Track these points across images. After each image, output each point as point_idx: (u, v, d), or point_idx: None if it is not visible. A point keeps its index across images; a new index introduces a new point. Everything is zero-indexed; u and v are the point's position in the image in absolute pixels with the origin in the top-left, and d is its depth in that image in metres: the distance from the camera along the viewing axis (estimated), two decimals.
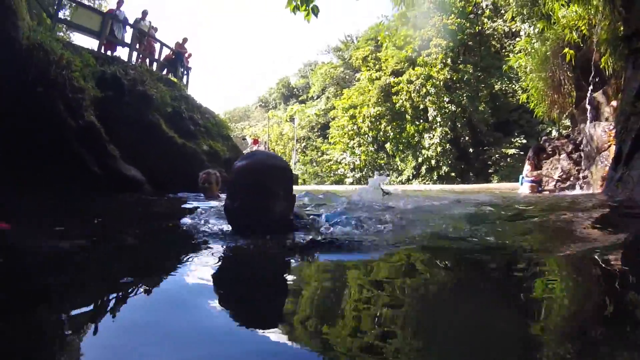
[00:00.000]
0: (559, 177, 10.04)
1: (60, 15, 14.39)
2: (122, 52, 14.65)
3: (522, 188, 8.80)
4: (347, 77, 49.12)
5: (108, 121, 9.36)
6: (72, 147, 7.79)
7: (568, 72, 10.39)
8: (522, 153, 27.50)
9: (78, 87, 8.53)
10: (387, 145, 34.65)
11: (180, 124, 13.32)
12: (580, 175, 9.64)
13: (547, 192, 10.04)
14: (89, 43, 15.08)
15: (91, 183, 7.84)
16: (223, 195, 5.39)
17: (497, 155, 28.85)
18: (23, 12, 7.14)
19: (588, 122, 9.34)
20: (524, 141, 27.98)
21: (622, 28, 5.99)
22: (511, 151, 28.07)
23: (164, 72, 16.60)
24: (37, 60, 7.22)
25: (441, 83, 30.49)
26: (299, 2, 7.34)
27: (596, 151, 8.95)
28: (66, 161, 7.61)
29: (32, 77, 7.07)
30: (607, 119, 8.93)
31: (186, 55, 18.21)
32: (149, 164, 10.45)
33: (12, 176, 6.08)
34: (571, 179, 10.03)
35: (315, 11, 7.36)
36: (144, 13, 16.20)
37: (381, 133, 35.24)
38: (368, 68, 37.92)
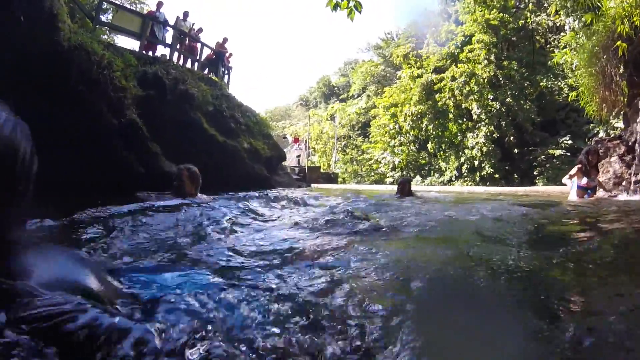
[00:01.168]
0: (609, 180, 9.55)
1: (103, 18, 14.91)
2: (164, 53, 15.02)
3: (571, 193, 8.39)
4: (388, 75, 48.67)
5: (150, 119, 9.57)
6: (114, 145, 7.99)
7: (620, 67, 9.84)
8: (568, 154, 26.44)
9: (120, 86, 8.76)
10: (429, 145, 34.01)
11: (221, 122, 13.53)
12: (633, 179, 9.13)
13: (594, 198, 9.55)
14: (131, 44, 15.48)
15: (133, 181, 8.01)
16: (202, 196, 5.45)
17: (542, 157, 27.76)
18: (64, 15, 7.38)
19: None
20: (571, 142, 26.87)
21: None
22: (557, 152, 26.97)
23: (205, 71, 16.88)
24: (79, 61, 7.44)
25: (485, 80, 29.68)
26: (339, 0, 7.15)
27: None
28: (108, 160, 7.82)
29: (74, 77, 7.29)
30: None
31: (227, 54, 18.49)
32: (190, 162, 10.62)
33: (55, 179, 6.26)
34: (623, 183, 9.51)
35: (359, 8, 7.14)
36: (185, 14, 16.53)
37: (423, 132, 34.62)
38: (409, 65, 37.30)
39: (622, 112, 10.71)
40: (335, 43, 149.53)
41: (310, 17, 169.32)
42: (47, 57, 6.86)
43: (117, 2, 15.39)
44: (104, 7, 14.71)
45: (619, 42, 9.12)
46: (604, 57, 10.11)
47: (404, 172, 35.67)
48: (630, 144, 9.51)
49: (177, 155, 10.19)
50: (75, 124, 7.26)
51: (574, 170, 8.21)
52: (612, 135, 11.48)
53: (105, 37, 13.74)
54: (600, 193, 8.58)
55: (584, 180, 7.84)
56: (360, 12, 7.18)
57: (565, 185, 8.68)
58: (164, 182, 8.98)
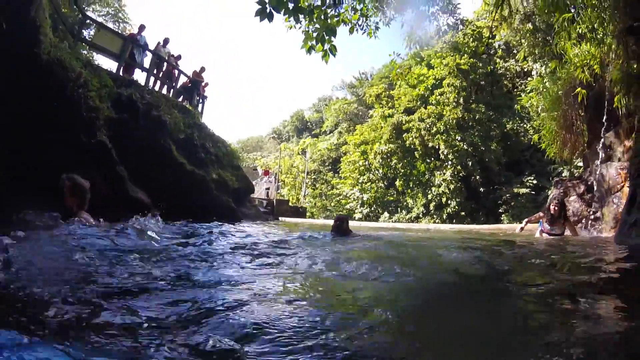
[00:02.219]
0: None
1: (86, 34, 14.78)
2: (140, 77, 14.93)
3: (537, 232, 8.65)
4: (360, 113, 49.74)
5: (120, 143, 9.44)
6: (82, 164, 7.81)
7: (580, 112, 10.33)
8: (533, 193, 27.35)
9: (93, 106, 8.67)
10: (397, 182, 34.51)
11: (192, 151, 13.44)
12: (592, 216, 9.46)
13: (557, 236, 9.83)
14: (109, 65, 15.35)
15: (97, 203, 7.81)
16: (86, 216, 4.76)
17: (508, 195, 28.54)
18: (46, 28, 7.33)
19: (600, 162, 9.22)
20: (535, 181, 27.76)
21: (635, 66, 5.96)
22: (522, 191, 27.77)
23: (180, 99, 16.86)
24: (56, 76, 7.36)
25: (453, 122, 30.56)
26: (314, 43, 7.38)
27: (609, 192, 8.80)
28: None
29: (51, 92, 7.20)
30: (619, 159, 8.82)
31: (203, 84, 18.57)
32: (158, 188, 10.48)
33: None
34: (583, 220, 9.83)
35: (333, 51, 7.37)
36: (166, 41, 16.62)
37: (392, 170, 35.20)
38: (381, 105, 38.28)
39: (582, 154, 11.16)
40: (311, 78, 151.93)
41: (288, 51, 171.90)
42: (25, 69, 6.75)
43: (100, 20, 15.25)
44: (87, 22, 14.62)
45: (579, 89, 9.60)
46: (566, 102, 10.61)
47: (372, 208, 36.04)
48: (589, 183, 9.89)
49: (145, 181, 10.07)
50: (47, 139, 7.10)
51: (536, 216, 8.48)
52: (573, 176, 11.92)
53: (85, 52, 13.54)
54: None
55: (547, 227, 8.06)
56: (334, 55, 7.42)
57: (523, 228, 8.88)
58: (128, 205, 8.84)
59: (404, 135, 33.19)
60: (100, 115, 9.01)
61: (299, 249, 5.39)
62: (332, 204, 41.84)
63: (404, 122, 33.45)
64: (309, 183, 46.83)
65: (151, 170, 10.63)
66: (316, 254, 4.82)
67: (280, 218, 21.32)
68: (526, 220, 8.82)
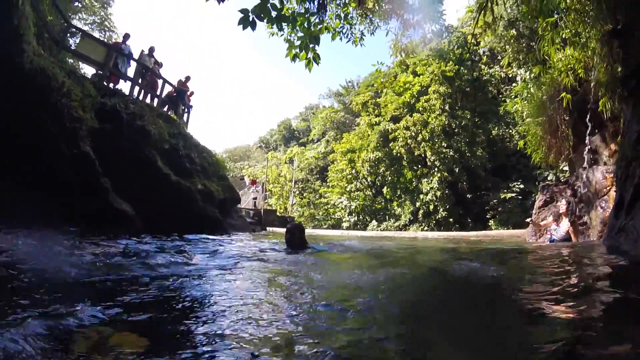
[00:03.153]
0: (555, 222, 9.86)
1: (72, 42, 14.56)
2: (124, 86, 14.71)
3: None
4: (347, 121, 49.91)
5: (104, 153, 9.28)
6: (64, 175, 7.67)
7: (565, 116, 10.38)
8: (520, 197, 27.51)
9: (76, 116, 8.52)
10: (385, 190, 34.58)
11: (177, 162, 13.27)
12: (579, 221, 9.47)
13: (546, 241, 9.91)
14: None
15: (80, 215, 7.65)
16: None
17: (494, 200, 28.69)
18: (30, 37, 7.20)
19: (586, 166, 9.25)
20: (522, 186, 27.96)
21: (619, 70, 5.97)
22: (509, 196, 27.93)
23: (165, 108, 16.67)
24: (39, 85, 7.23)
25: (439, 129, 30.72)
26: (298, 51, 7.37)
27: (595, 196, 8.81)
28: (56, 191, 7.46)
29: (33, 101, 7.07)
30: (605, 163, 8.85)
31: (188, 93, 18.39)
32: (142, 199, 10.32)
33: None
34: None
35: (317, 60, 7.37)
36: (151, 50, 16.46)
37: (379, 177, 35.29)
38: (368, 113, 38.45)
39: (568, 158, 11.21)
40: (298, 86, 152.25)
41: (275, 58, 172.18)
42: (7, 77, 6.61)
43: (86, 29, 15.04)
44: (72, 30, 14.41)
45: (563, 94, 9.65)
46: (551, 107, 10.66)
47: (360, 217, 36.02)
48: (575, 187, 9.91)
49: (129, 192, 9.90)
50: (29, 149, 6.95)
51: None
52: (559, 180, 11.97)
53: (71, 61, 13.29)
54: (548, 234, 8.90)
55: (562, 233, 8.28)
56: (318, 63, 7.41)
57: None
58: (111, 217, 8.68)
59: (390, 144, 33.28)
60: (83, 125, 8.85)
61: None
62: (320, 213, 41.75)
63: (390, 130, 33.57)
64: (297, 192, 46.71)
65: (135, 182, 10.47)
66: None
67: (268, 228, 21.17)
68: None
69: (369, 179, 36.15)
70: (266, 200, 36.55)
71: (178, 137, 14.27)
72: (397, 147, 32.50)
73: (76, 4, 24.46)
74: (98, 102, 10.54)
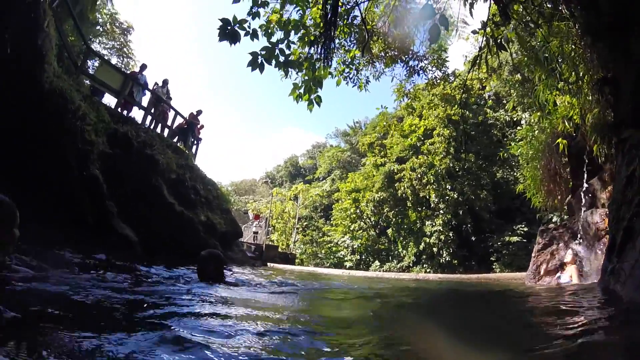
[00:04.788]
0: (555, 266, 9.88)
1: (90, 64, 15.28)
2: (137, 114, 15.14)
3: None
4: (353, 161, 50.43)
5: (112, 178, 9.51)
6: (72, 195, 7.88)
7: (563, 161, 10.59)
8: (524, 240, 27.23)
9: (89, 140, 8.80)
10: (389, 231, 34.50)
11: (182, 192, 13.50)
12: (577, 264, 9.49)
13: (545, 283, 9.95)
14: (108, 99, 15.61)
15: (84, 237, 7.80)
16: None
17: (499, 243, 28.50)
18: (51, 57, 7.52)
19: (584, 209, 9.35)
20: (526, 229, 27.76)
21: (611, 116, 6.19)
22: (514, 239, 27.74)
23: (175, 139, 17.05)
24: (56, 106, 7.50)
25: (443, 171, 30.93)
26: (301, 92, 7.67)
27: (594, 238, 8.89)
28: (64, 211, 7.64)
29: (49, 121, 7.33)
30: (603, 205, 8.95)
31: (198, 126, 18.82)
32: (145, 226, 10.48)
33: None
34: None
35: (318, 102, 7.69)
36: (165, 82, 17.03)
37: (383, 218, 35.28)
38: (374, 154, 38.87)
39: (567, 202, 11.31)
40: (307, 125, 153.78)
41: (285, 98, 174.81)
42: (26, 95, 6.88)
43: (105, 53, 15.65)
44: (90, 54, 14.96)
45: (559, 140, 9.90)
46: (549, 151, 10.88)
47: (363, 257, 35.81)
48: (575, 230, 9.98)
49: (133, 218, 10.08)
50: (40, 168, 7.17)
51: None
52: (560, 223, 12.02)
53: (88, 82, 13.75)
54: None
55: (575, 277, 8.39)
56: (319, 105, 7.73)
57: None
58: (113, 241, 8.81)
59: (395, 185, 33.45)
60: (94, 149, 9.12)
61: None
62: (323, 251, 41.50)
63: (396, 171, 33.82)
64: (300, 229, 46.65)
65: (140, 208, 10.66)
66: None
67: (269, 264, 21.12)
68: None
69: (372, 219, 36.14)
70: (268, 236, 36.48)
71: (185, 168, 14.57)
72: (402, 188, 32.61)
73: (98, 27, 25.41)
74: (111, 127, 10.86)
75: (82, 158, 8.35)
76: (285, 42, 7.02)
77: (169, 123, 17.34)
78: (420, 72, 12.06)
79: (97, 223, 8.43)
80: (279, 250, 32.78)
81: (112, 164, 9.88)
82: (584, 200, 9.52)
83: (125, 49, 28.92)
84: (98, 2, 19.38)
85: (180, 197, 13.07)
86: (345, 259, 37.23)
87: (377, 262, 34.40)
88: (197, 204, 14.30)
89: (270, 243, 34.62)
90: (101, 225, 8.58)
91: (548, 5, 6.93)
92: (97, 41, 26.19)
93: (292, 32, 7.17)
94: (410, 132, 35.48)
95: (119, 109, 13.83)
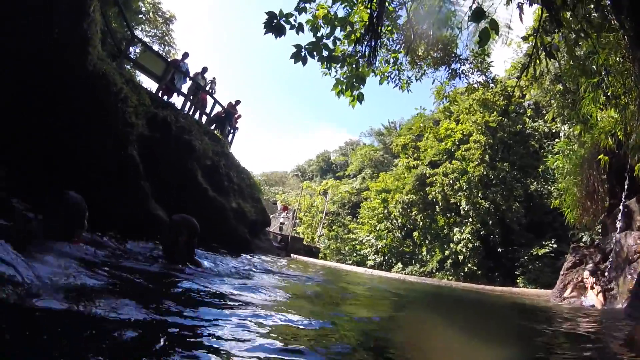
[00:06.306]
0: (582, 286, 9.69)
1: (132, 51, 15.95)
2: (177, 101, 15.53)
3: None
4: (385, 161, 50.20)
5: (149, 160, 9.73)
6: (109, 174, 8.14)
7: (602, 178, 10.34)
8: (552, 255, 26.55)
9: (129, 122, 9.03)
10: (415, 234, 34.22)
11: (216, 178, 13.67)
12: (607, 286, 9.28)
13: (567, 303, 9.78)
14: (150, 84, 16.17)
15: (117, 214, 8.01)
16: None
17: (526, 257, 27.88)
18: (95, 41, 7.76)
19: (619, 230, 9.13)
20: (555, 245, 27.02)
21: None
22: (542, 252, 27.05)
23: (212, 127, 17.37)
24: (98, 88, 7.75)
25: (477, 179, 30.45)
26: (344, 87, 7.71)
27: (625, 261, 8.68)
28: (102, 192, 7.88)
29: (92, 102, 7.58)
30: (639, 229, 8.74)
31: (236, 115, 19.11)
32: (178, 210, 10.65)
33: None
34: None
35: (360, 98, 7.71)
36: (204, 69, 17.38)
37: (410, 221, 34.97)
38: (407, 156, 38.59)
39: (601, 221, 11.06)
40: (340, 122, 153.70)
41: (319, 94, 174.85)
42: (71, 77, 7.14)
43: (147, 40, 16.29)
44: (134, 40, 15.58)
45: (601, 156, 9.65)
46: (589, 166, 10.63)
47: (386, 257, 35.65)
48: (606, 251, 9.75)
49: (166, 200, 10.30)
50: (79, 145, 7.43)
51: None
52: (592, 243, 11.77)
53: (129, 68, 14.22)
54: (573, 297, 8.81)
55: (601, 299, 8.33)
56: (361, 102, 7.74)
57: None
58: (146, 221, 9.03)
59: (426, 189, 33.14)
60: (134, 131, 9.35)
61: None
62: (347, 248, 41.52)
63: (427, 175, 33.49)
64: (326, 224, 46.75)
65: (174, 192, 10.86)
66: None
67: (292, 255, 21.32)
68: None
69: (400, 220, 35.88)
70: (294, 228, 36.70)
71: (221, 155, 14.76)
72: (433, 193, 32.27)
73: (140, 16, 26.35)
74: (151, 111, 11.08)
75: (121, 139, 8.58)
76: (332, 37, 7.05)
77: (207, 111, 17.72)
78: (462, 75, 11.95)
79: (131, 203, 8.64)
80: (304, 242, 33.02)
81: (150, 146, 10.06)
82: (619, 221, 9.30)
83: (167, 38, 29.87)
84: None
85: (213, 183, 13.25)
86: (368, 257, 37.18)
87: (399, 265, 34.23)
88: (230, 191, 14.47)
89: (295, 235, 34.84)
90: (135, 206, 8.78)
91: (596, 15, 6.79)
92: (140, 29, 27.05)
93: (339, 28, 7.17)
94: (446, 136, 35.05)
95: (160, 94, 14.19)
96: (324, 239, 44.50)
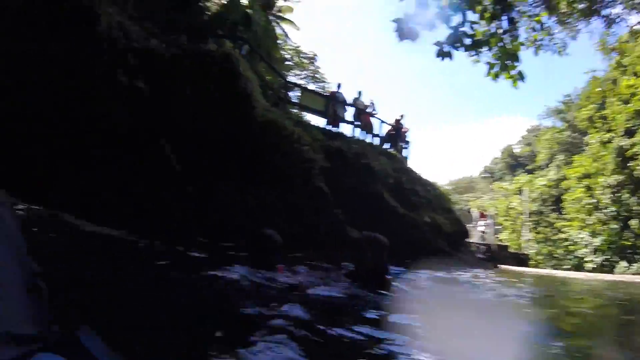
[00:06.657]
0: None
1: (292, 95, 18.05)
2: (344, 128, 16.50)
3: None
4: (575, 141, 44.35)
5: (333, 189, 10.12)
6: (298, 208, 8.67)
7: None
8: None
9: (308, 157, 9.66)
10: (633, 222, 28.31)
11: (402, 195, 13.94)
12: None
13: None
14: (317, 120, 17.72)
15: (314, 241, 8.36)
16: None
17: None
18: (257, 95, 8.66)
19: None
20: None
21: None
22: None
23: (385, 146, 18.13)
24: (271, 135, 8.48)
25: None
26: (497, 70, 7.34)
27: None
28: (297, 223, 8.31)
29: (266, 149, 8.33)
30: None
31: (403, 130, 19.32)
32: (371, 230, 10.66)
33: None
34: None
35: (520, 77, 7.24)
36: (360, 93, 18.46)
37: (623, 207, 29.07)
38: (596, 129, 32.74)
39: None
40: (511, 110, 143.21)
41: (479, 88, 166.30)
42: (246, 131, 7.89)
43: (302, 82, 18.18)
44: (289, 85, 18.01)
45: None
46: None
47: (607, 256, 29.68)
48: None
49: (358, 223, 10.43)
50: (269, 190, 8.04)
51: None
52: None
53: (295, 111, 16.37)
54: None
55: None
56: (523, 80, 7.26)
57: None
58: (344, 244, 9.16)
59: (630, 164, 27.82)
60: (315, 165, 10.00)
61: None
62: (559, 251, 36.19)
63: (626, 147, 28.18)
64: (531, 226, 42.44)
65: (364, 214, 11.06)
66: None
67: (499, 266, 19.60)
68: None
69: (611, 208, 30.09)
70: (496, 235, 34.02)
71: (401, 172, 15.00)
72: (638, 168, 26.93)
73: (287, 63, 29.40)
74: (325, 144, 11.73)
75: (306, 174, 9.16)
76: (468, 23, 6.84)
77: (375, 132, 18.45)
78: (618, 20, 10.40)
79: (327, 229, 9.00)
80: (510, 250, 30.32)
81: (332, 176, 10.58)
82: None
83: (317, 75, 33.07)
84: (278, 41, 22.98)
85: (401, 200, 13.44)
86: (585, 259, 31.59)
87: (623, 263, 28.20)
88: (419, 205, 14.65)
89: (499, 243, 32.26)
90: (332, 232, 9.12)
91: None
92: (292, 74, 30.31)
93: (469, 11, 6.94)
94: (631, 95, 28.59)
95: (328, 127, 15.54)
96: (532, 244, 40.21)
